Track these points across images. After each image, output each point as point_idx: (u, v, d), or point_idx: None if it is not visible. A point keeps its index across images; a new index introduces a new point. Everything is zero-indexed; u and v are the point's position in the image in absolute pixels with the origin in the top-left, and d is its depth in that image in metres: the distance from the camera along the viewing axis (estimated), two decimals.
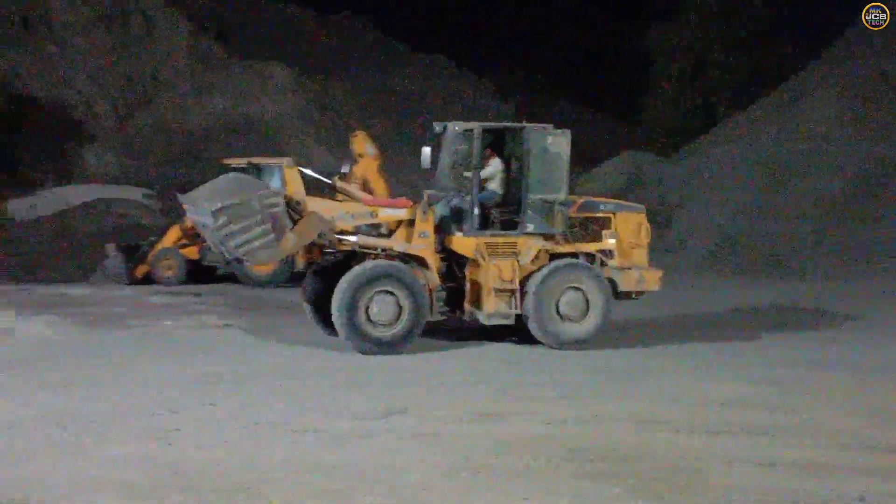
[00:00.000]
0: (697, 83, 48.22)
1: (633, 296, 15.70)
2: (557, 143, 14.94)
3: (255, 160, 25.16)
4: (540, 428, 9.61)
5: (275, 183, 25.08)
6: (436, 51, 64.35)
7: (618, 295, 15.41)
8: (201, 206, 13.84)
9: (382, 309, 14.11)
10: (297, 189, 14.45)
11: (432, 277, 14.63)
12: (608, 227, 15.49)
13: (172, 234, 25.21)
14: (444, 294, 14.89)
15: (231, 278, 24.73)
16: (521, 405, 10.68)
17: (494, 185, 15.35)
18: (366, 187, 20.96)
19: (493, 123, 16.19)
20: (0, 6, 45.07)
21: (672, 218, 32.77)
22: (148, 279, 24.94)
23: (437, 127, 15.32)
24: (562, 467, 8.17)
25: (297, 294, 16.57)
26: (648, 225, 15.80)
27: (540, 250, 14.89)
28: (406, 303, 14.19)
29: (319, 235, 14.46)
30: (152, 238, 25.95)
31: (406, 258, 14.61)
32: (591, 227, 15.49)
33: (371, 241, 14.72)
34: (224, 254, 14.65)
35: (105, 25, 47.86)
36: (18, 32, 45.39)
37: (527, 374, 12.70)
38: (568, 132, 15.03)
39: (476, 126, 14.91)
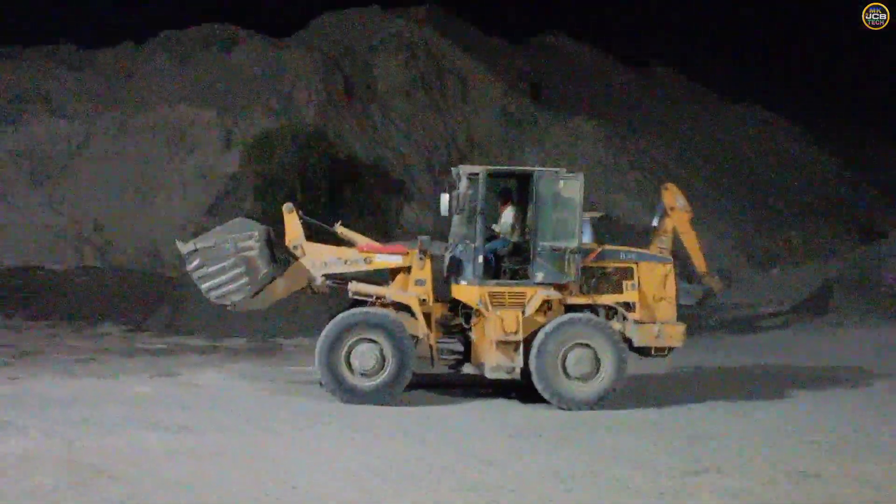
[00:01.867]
0: None
1: (653, 352, 14.50)
2: (570, 187, 14.13)
3: None
4: (864, 490, 9.10)
5: (586, 236, 25.35)
6: (749, 100, 62.69)
7: (640, 351, 14.43)
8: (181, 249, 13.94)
9: (364, 358, 13.69)
10: (296, 233, 14.47)
11: (420, 327, 13.98)
12: (630, 278, 14.46)
13: None
14: (457, 345, 14.36)
15: None
16: (838, 464, 10.17)
17: (508, 233, 14.73)
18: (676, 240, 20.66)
19: (499, 167, 15.64)
20: (326, 73, 47.95)
21: None
22: None
23: (454, 172, 14.64)
24: None
25: None
26: (674, 276, 14.66)
27: (545, 301, 14.01)
28: (389, 352, 13.69)
29: (310, 281, 14.44)
30: None
31: (399, 306, 14.13)
32: (613, 278, 14.51)
33: (363, 287, 14.38)
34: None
35: (423, 88, 49.95)
36: (343, 97, 48.11)
37: (838, 431, 12.08)
38: (581, 176, 14.17)
39: (481, 170, 14.18)
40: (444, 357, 14.51)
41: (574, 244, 14.01)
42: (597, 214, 26.29)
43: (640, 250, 15.00)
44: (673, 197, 23.15)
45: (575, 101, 58.01)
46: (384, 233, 39.60)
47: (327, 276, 14.55)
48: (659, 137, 55.26)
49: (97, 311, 28.42)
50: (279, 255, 14.55)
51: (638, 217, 39.78)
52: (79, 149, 44.71)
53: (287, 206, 14.65)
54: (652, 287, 14.45)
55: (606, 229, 25.66)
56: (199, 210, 38.05)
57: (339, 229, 15.26)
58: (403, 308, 14.20)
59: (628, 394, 14.52)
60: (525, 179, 14.64)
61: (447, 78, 51.59)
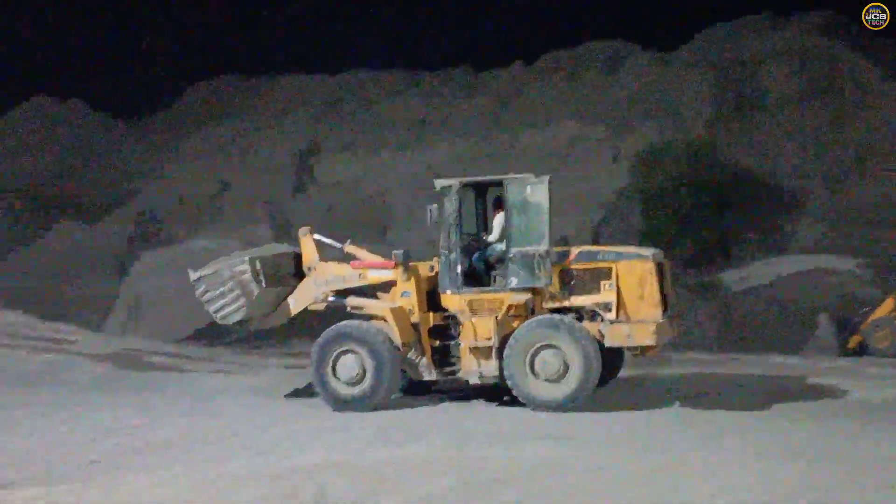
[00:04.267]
0: None
1: (627, 351, 14.51)
2: (536, 192, 14.27)
3: None
4: None
5: None
6: None
7: (636, 350, 14.38)
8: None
9: (346, 367, 14.45)
10: (310, 256, 15.55)
11: (396, 337, 14.45)
12: (608, 278, 14.10)
13: (887, 305, 24.53)
14: (459, 352, 14.54)
15: None
16: None
17: (499, 241, 14.92)
18: None
19: (473, 178, 15.54)
20: (714, 85, 47.21)
21: None
22: (861, 350, 24.40)
23: (437, 184, 14.83)
24: None
25: None
26: (655, 274, 14.02)
27: (520, 306, 14.24)
28: (368, 362, 14.36)
29: (315, 299, 15.41)
30: (865, 309, 25.40)
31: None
32: (591, 279, 14.23)
33: (356, 301, 15.18)
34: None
35: (817, 97, 47.98)
36: (732, 109, 47.13)
37: None
38: (546, 179, 14.31)
39: (454, 182, 14.66)
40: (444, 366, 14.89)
41: (543, 248, 14.17)
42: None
43: (619, 249, 14.88)
44: None
45: None
46: (777, 248, 38.38)
47: (336, 293, 15.43)
48: None
49: None
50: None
51: None
52: (472, 167, 46.66)
53: (302, 231, 15.81)
54: (631, 286, 14.15)
55: None
56: (587, 226, 38.57)
57: (347, 247, 15.94)
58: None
59: None
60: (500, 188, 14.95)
61: (844, 85, 49.21)
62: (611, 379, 15.41)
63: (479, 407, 14.66)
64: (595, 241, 36.65)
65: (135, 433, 12.98)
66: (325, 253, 15.75)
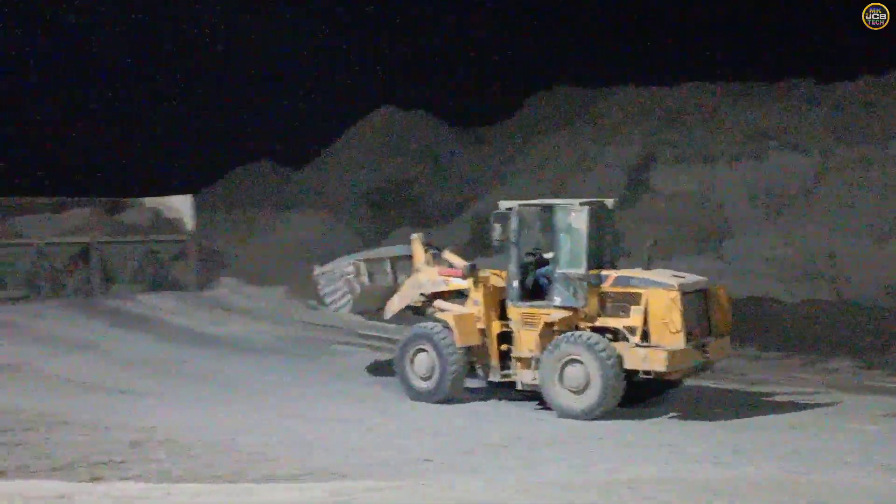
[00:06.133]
0: None
1: (641, 374, 14.94)
2: (578, 219, 15.37)
3: None
4: None
5: None
6: None
7: (657, 375, 14.93)
8: None
9: (419, 364, 16.26)
10: (418, 259, 17.49)
11: (456, 341, 15.84)
12: (638, 303, 14.95)
13: None
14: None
15: None
16: None
17: None
18: None
19: (531, 202, 16.75)
20: None
21: None
22: None
23: (501, 205, 16.24)
24: None
25: None
26: (680, 303, 14.59)
27: (554, 322, 15.35)
28: (435, 360, 16.00)
29: (413, 299, 17.36)
30: None
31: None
32: (624, 303, 15.14)
33: (439, 305, 16.89)
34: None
35: None
36: None
37: None
38: (585, 209, 15.34)
39: (514, 204, 16.08)
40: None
41: (581, 272, 15.24)
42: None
43: (652, 276, 15.43)
44: None
45: None
46: None
47: (433, 295, 17.08)
48: None
49: (828, 344, 28.23)
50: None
51: None
52: (814, 182, 45.05)
53: (412, 236, 17.90)
54: (657, 313, 14.86)
55: None
56: None
57: (446, 254, 17.60)
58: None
59: None
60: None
61: None
62: (652, 397, 16.21)
63: (811, 429, 14.17)
64: None
65: (464, 435, 13.47)
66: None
